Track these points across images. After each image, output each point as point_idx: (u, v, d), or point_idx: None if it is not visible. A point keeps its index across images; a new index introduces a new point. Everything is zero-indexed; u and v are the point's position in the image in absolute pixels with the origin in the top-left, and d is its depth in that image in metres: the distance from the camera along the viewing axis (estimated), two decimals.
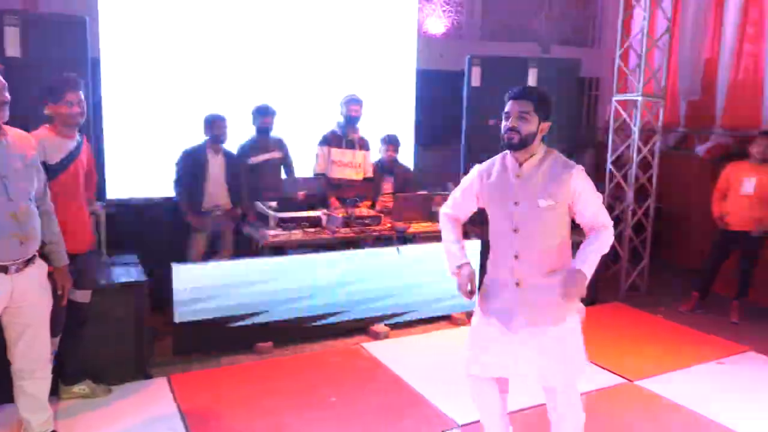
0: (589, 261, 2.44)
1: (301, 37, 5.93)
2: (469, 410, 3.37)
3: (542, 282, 2.51)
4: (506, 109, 2.50)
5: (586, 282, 2.42)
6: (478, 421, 3.10)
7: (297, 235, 4.47)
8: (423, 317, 4.93)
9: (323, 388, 3.75)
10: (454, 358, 4.20)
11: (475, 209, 2.74)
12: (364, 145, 5.50)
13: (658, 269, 6.29)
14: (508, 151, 2.57)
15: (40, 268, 2.75)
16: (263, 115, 5.14)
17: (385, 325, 4.72)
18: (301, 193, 4.74)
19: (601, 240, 2.48)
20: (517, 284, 2.52)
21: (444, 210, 2.81)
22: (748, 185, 5.05)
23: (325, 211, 4.81)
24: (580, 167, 2.52)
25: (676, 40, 7.20)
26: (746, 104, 6.56)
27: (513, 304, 2.53)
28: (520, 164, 2.52)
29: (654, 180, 5.76)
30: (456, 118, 6.47)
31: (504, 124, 2.49)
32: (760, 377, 4.10)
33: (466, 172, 6.83)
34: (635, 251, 6.02)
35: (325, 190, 5.24)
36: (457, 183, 6.60)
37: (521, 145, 2.47)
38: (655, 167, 5.75)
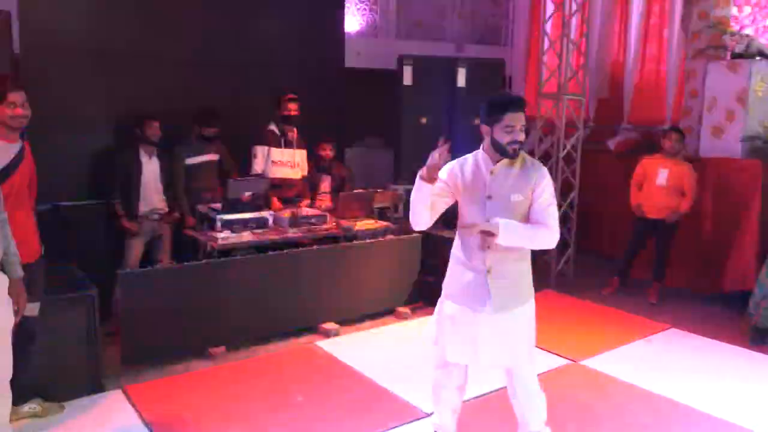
0: (517, 230, 2.57)
1: (229, 35, 5.83)
2: None
3: (510, 268, 2.69)
4: (509, 122, 2.58)
5: (493, 232, 2.54)
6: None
7: (246, 236, 4.41)
8: (369, 313, 5.00)
9: (286, 388, 3.75)
10: (408, 351, 4.36)
11: (449, 204, 2.78)
12: (301, 143, 5.50)
13: (579, 257, 6.69)
14: (480, 151, 2.72)
15: (0, 281, 2.58)
16: (209, 123, 5.01)
17: (335, 322, 4.75)
18: (246, 195, 4.67)
19: (539, 230, 2.63)
20: (488, 272, 2.66)
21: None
22: (662, 176, 5.48)
23: (271, 211, 4.78)
24: (545, 168, 2.73)
25: (576, 44, 7.67)
26: (651, 102, 7.12)
27: (484, 290, 2.67)
28: (494, 162, 2.67)
29: (578, 173, 6.12)
30: (379, 117, 6.59)
31: (505, 135, 2.59)
32: (684, 350, 4.50)
33: (397, 170, 6.91)
34: (562, 241, 6.38)
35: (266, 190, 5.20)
36: (388, 179, 6.69)
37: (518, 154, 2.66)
38: (578, 161, 6.12)
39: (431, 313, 5.12)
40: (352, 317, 4.90)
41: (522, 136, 2.61)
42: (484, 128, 2.67)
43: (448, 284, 2.86)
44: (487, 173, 2.67)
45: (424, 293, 5.28)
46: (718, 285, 5.52)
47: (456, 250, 2.82)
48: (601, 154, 7.37)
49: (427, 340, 2.98)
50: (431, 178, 2.53)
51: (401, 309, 5.13)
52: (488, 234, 2.56)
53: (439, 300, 2.92)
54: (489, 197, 2.65)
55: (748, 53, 5.63)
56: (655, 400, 3.69)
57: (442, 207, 2.74)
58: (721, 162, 5.67)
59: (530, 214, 2.66)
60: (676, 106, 6.71)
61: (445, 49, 8.48)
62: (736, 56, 5.72)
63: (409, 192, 6.32)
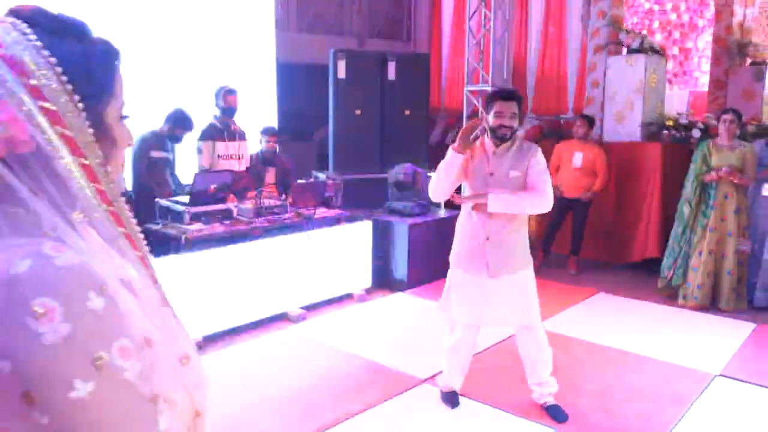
0: (504, 198, 2.98)
1: (165, 29, 5.74)
2: (426, 365, 3.81)
3: (507, 237, 3.09)
4: (497, 108, 2.99)
5: (482, 202, 2.99)
6: (440, 373, 3.54)
7: (218, 227, 4.45)
8: (329, 298, 5.19)
9: (281, 373, 3.87)
10: (381, 327, 4.63)
11: (461, 181, 3.19)
12: (242, 135, 5.55)
13: None
14: (484, 137, 3.12)
15: None
16: (185, 127, 5.10)
17: (300, 308, 4.89)
18: (212, 187, 4.68)
19: (530, 195, 3.02)
20: (487, 239, 3.07)
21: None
22: (577, 159, 6.12)
23: (234, 203, 4.82)
24: (539, 148, 3.14)
25: (488, 40, 8.27)
26: (552, 95, 7.84)
27: (483, 256, 3.08)
28: (497, 145, 3.08)
29: None
30: (306, 109, 6.73)
31: (495, 119, 3.00)
32: (614, 310, 5.14)
33: (322, 161, 7.08)
34: None
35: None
36: (312, 169, 6.84)
37: (510, 137, 3.05)
38: None
39: (385, 294, 5.47)
40: (315, 302, 5.06)
41: (511, 122, 3.00)
42: (484, 116, 3.10)
43: (453, 253, 3.25)
44: (491, 154, 3.09)
45: (376, 276, 5.56)
46: (628, 254, 6.26)
47: (460, 222, 3.22)
48: None
49: (440, 309, 3.33)
50: (463, 147, 2.93)
51: (357, 292, 5.36)
52: (480, 202, 3.02)
53: (449, 270, 3.27)
54: (491, 174, 3.07)
55: (643, 49, 6.41)
56: (607, 351, 4.23)
57: (456, 184, 3.15)
58: (625, 146, 6.42)
59: (527, 183, 3.05)
60: (577, 96, 7.45)
61: (347, 44, 8.74)
62: (632, 51, 6.49)
63: (347, 181, 6.58)
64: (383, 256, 5.67)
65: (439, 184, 3.08)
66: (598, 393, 3.61)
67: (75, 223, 0.77)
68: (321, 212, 5.25)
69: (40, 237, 0.74)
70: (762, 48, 7.20)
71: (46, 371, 0.67)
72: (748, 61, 7.19)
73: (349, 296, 5.34)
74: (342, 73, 6.31)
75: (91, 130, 0.79)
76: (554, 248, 6.54)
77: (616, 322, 4.81)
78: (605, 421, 3.30)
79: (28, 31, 0.76)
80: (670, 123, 6.26)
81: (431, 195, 3.16)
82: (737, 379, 3.76)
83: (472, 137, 2.97)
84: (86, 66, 0.80)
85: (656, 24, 8.45)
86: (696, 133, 6.07)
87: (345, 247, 5.28)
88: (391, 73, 6.47)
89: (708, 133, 6.03)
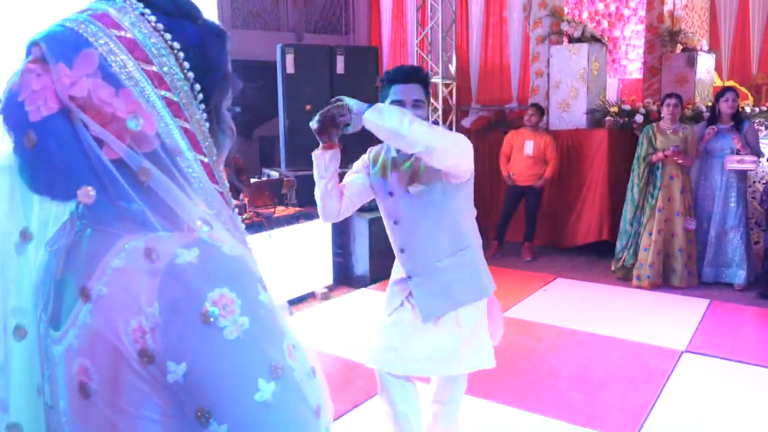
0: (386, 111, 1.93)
1: None
2: None
3: (436, 271, 2.22)
4: (397, 97, 2.09)
5: (352, 106, 1.99)
6: None
7: None
8: (292, 298, 5.08)
9: None
10: (351, 324, 4.55)
11: (368, 197, 2.33)
12: None
13: None
14: None
15: None
16: None
17: None
18: None
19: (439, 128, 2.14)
20: (409, 277, 2.26)
21: None
22: (528, 147, 6.22)
23: None
24: None
25: (435, 32, 8.29)
26: (496, 85, 7.94)
27: (407, 297, 2.29)
28: (398, 151, 2.16)
29: None
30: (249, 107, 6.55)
31: None
32: (574, 293, 5.25)
33: (265, 159, 6.99)
34: None
35: None
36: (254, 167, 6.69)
37: None
38: None
39: (348, 291, 5.41)
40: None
41: (416, 113, 2.04)
42: None
43: (386, 295, 2.43)
44: (389, 164, 2.20)
45: (337, 273, 5.48)
46: (580, 239, 6.42)
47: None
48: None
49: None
50: (327, 144, 2.08)
51: (320, 290, 5.27)
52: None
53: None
54: (390, 194, 2.20)
55: (584, 38, 6.57)
56: (575, 335, 4.31)
57: (357, 199, 2.27)
58: (572, 133, 6.56)
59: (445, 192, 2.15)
60: (521, 86, 7.57)
61: (285, 39, 8.57)
62: (574, 41, 6.64)
63: (300, 178, 6.47)
64: (343, 252, 5.60)
65: (319, 205, 2.20)
66: (575, 376, 3.67)
67: (216, 223, 0.69)
68: (279, 211, 5.13)
69: (192, 231, 0.67)
70: (692, 35, 7.53)
71: (229, 370, 0.61)
72: (680, 47, 7.51)
73: (311, 295, 5.24)
74: (291, 68, 6.16)
75: (207, 124, 0.71)
76: (508, 236, 6.63)
77: (578, 306, 4.92)
78: (587, 403, 3.35)
79: (147, 11, 0.67)
80: (614, 109, 6.45)
81: (320, 215, 2.25)
82: (704, 354, 3.91)
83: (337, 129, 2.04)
84: (205, 50, 0.72)
85: (585, 14, 8.69)
86: (639, 119, 6.27)
87: (304, 245, 5.18)
88: (340, 67, 6.37)
89: (649, 118, 6.25)
